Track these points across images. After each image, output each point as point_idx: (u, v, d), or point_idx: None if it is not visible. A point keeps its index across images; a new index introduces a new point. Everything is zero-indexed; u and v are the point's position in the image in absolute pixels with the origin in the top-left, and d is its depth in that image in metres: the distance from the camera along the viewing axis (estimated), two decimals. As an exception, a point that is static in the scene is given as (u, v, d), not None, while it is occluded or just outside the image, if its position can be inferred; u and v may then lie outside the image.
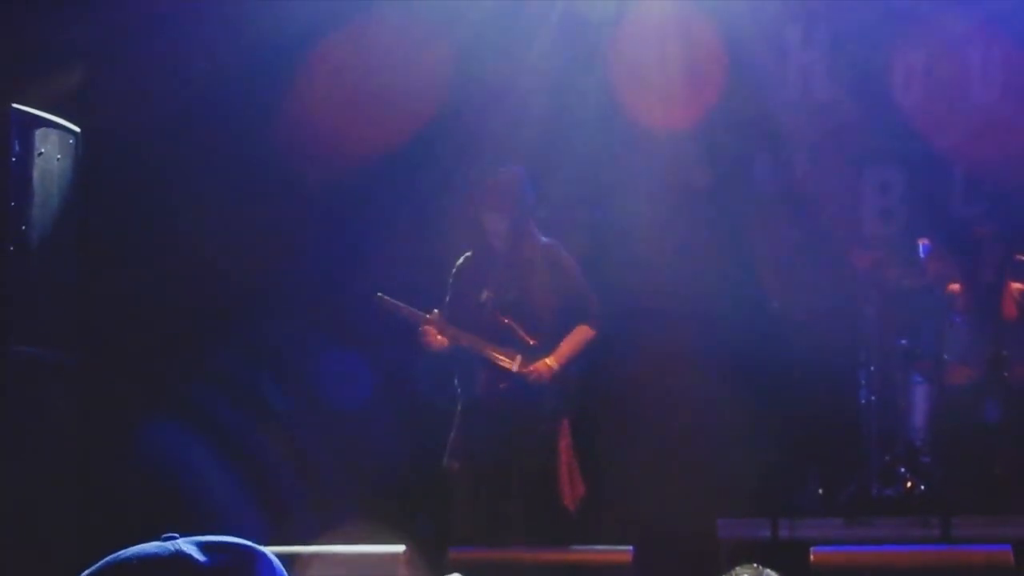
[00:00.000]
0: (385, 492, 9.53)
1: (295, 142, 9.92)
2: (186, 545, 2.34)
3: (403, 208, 9.94)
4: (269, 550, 2.44)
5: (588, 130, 10.15)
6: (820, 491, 9.76)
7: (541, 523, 8.01)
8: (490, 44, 10.14)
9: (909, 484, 9.60)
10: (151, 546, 2.34)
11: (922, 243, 9.52)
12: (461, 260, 8.36)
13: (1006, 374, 9.48)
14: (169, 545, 2.34)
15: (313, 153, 9.92)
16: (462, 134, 9.97)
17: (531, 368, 8.05)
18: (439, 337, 8.05)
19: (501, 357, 8.09)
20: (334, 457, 9.74)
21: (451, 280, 8.37)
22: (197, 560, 2.32)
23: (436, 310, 8.19)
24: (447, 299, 8.32)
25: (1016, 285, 9.96)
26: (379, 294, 8.28)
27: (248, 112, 10.02)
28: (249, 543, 2.40)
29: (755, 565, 4.28)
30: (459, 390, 8.28)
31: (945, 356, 9.65)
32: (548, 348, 8.15)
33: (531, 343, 8.13)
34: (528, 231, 8.19)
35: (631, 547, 6.99)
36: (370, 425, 9.75)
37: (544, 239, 8.26)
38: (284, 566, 2.46)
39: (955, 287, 9.93)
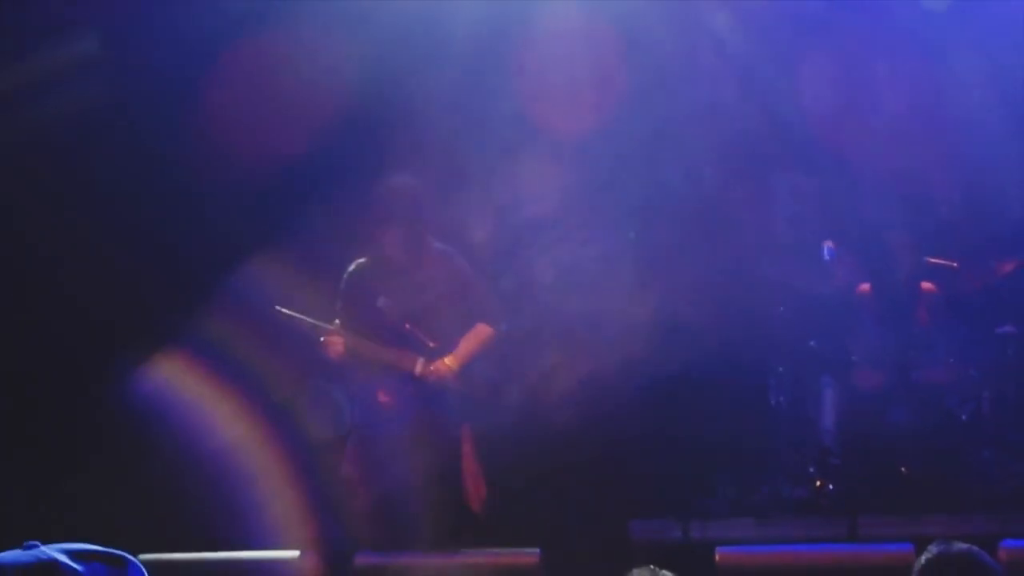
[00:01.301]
0: (290, 496, 9.49)
1: (198, 146, 9.88)
2: (55, 552, 2.33)
3: (307, 216, 9.90)
4: (153, 557, 2.44)
5: (497, 136, 10.17)
6: (732, 492, 9.83)
7: (446, 526, 8.03)
8: (400, 48, 10.14)
9: (818, 484, 9.70)
10: (13, 554, 2.33)
11: (827, 246, 9.61)
12: (352, 267, 8.28)
13: (913, 377, 9.61)
14: (35, 552, 2.32)
15: (217, 156, 9.88)
16: (368, 141, 9.95)
17: (431, 369, 8.05)
18: (340, 348, 8.01)
19: (401, 360, 8.08)
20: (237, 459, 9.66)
21: (343, 287, 8.27)
22: (70, 567, 2.31)
23: (337, 321, 8.14)
24: (339, 306, 8.25)
25: (927, 285, 10.09)
26: (277, 307, 8.21)
27: (148, 117, 10.01)
28: (118, 551, 2.39)
29: (651, 567, 4.35)
30: (353, 406, 8.23)
31: (854, 358, 9.76)
32: (449, 350, 8.16)
33: (432, 346, 8.13)
34: (422, 239, 8.18)
35: (537, 549, 7.01)
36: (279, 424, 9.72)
37: (438, 245, 8.27)
38: (167, 574, 2.46)
39: (865, 288, 10.04)
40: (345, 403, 8.33)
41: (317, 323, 8.10)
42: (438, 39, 10.13)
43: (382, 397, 8.09)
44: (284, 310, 8.16)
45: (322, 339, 8.02)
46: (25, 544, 2.36)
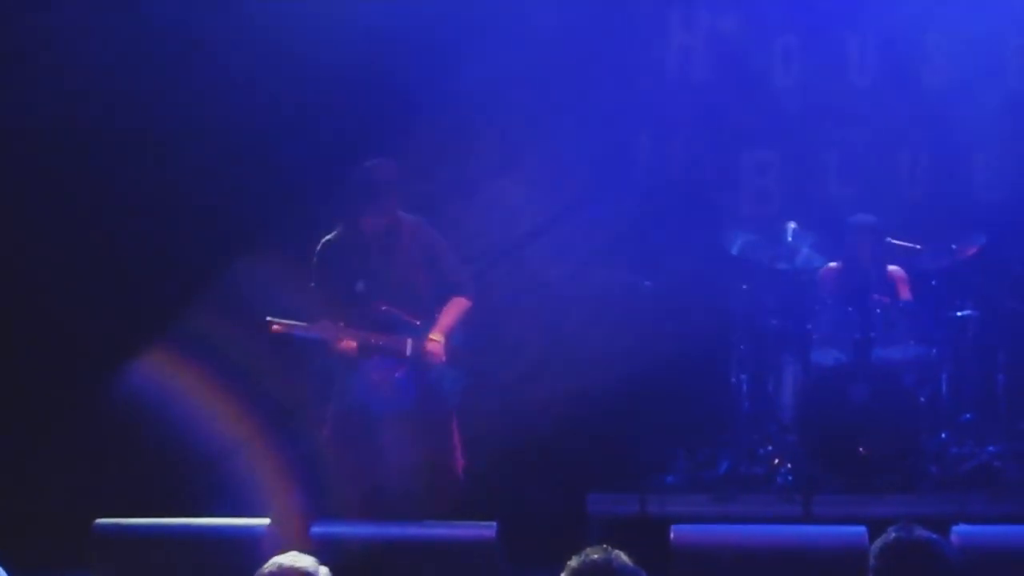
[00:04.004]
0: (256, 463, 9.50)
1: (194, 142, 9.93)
2: None
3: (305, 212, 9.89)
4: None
5: (464, 116, 10.18)
6: (690, 468, 9.88)
7: (434, 498, 8.08)
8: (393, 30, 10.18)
9: (776, 462, 9.75)
10: None
11: (791, 226, 9.64)
12: (323, 244, 8.22)
13: (873, 357, 9.66)
14: None
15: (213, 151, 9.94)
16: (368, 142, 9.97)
17: (427, 350, 8.07)
18: (354, 345, 8.02)
19: (393, 344, 8.08)
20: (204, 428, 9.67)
21: (316, 266, 8.22)
22: None
23: (326, 321, 8.07)
24: (313, 284, 8.21)
25: (892, 268, 10.13)
26: (269, 318, 8.14)
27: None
28: None
29: (605, 547, 4.37)
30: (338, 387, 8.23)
31: (814, 337, 9.80)
32: (430, 324, 8.17)
33: (416, 323, 8.14)
34: (395, 213, 8.17)
35: (494, 523, 7.02)
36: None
37: (408, 216, 8.25)
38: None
39: (830, 267, 10.08)
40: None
41: (317, 326, 8.04)
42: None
43: (375, 377, 8.09)
44: (276, 321, 8.09)
45: (333, 343, 7.97)
46: None
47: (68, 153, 10.15)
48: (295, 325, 8.08)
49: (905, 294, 10.06)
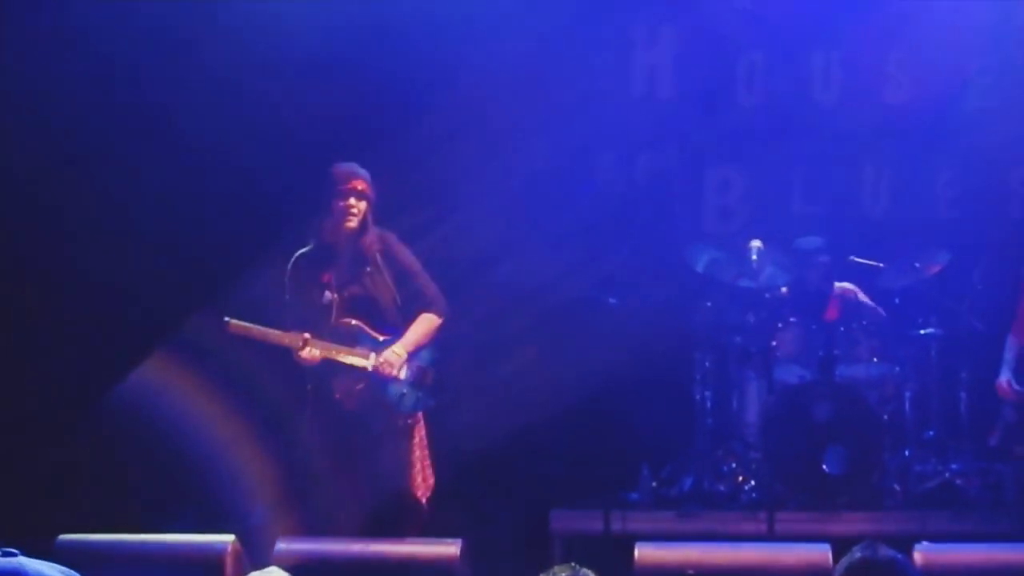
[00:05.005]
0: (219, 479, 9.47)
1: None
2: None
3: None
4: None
5: (426, 127, 10.19)
6: (654, 484, 9.88)
7: (389, 516, 8.03)
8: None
9: (740, 479, 9.77)
10: None
11: (755, 245, 9.67)
12: (296, 257, 8.19)
13: (836, 374, 9.69)
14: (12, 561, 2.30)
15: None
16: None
17: (383, 361, 8.03)
18: (318, 356, 7.98)
19: (356, 358, 8.06)
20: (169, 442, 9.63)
21: (289, 279, 8.18)
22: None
23: (294, 331, 8.03)
24: (287, 298, 8.17)
25: (840, 285, 10.18)
26: (226, 318, 8.05)
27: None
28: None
29: (573, 565, 4.36)
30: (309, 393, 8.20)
31: (778, 354, 9.83)
32: (396, 340, 8.15)
33: (381, 339, 8.12)
34: (366, 224, 8.16)
35: (459, 540, 7.02)
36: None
37: (380, 230, 8.24)
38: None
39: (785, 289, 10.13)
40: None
41: (284, 333, 7.99)
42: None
43: (337, 393, 8.06)
44: (235, 322, 8.03)
45: (301, 354, 7.93)
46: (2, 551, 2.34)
47: (60, 154, 10.11)
48: (255, 328, 8.02)
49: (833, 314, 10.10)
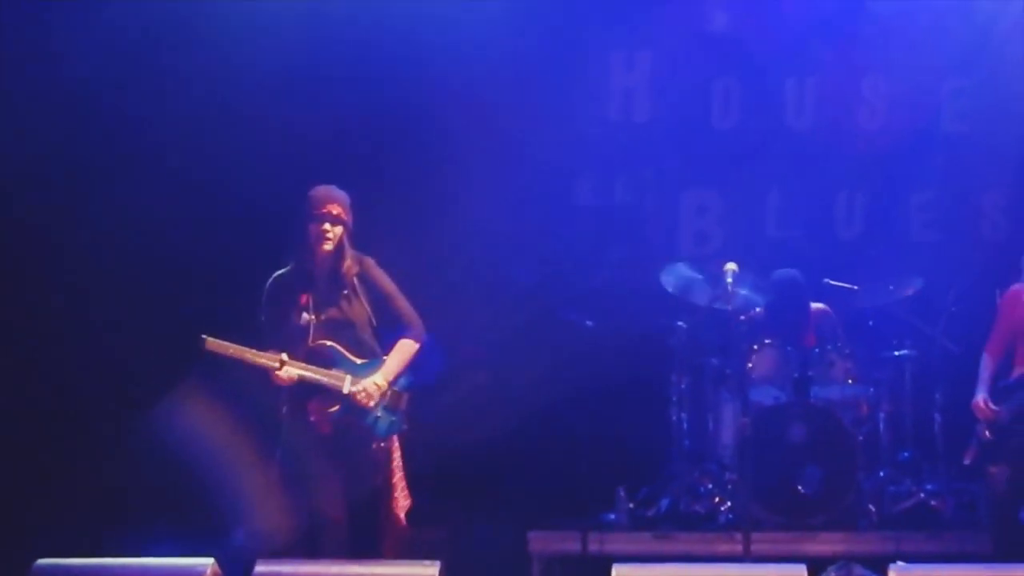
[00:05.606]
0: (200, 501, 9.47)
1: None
2: None
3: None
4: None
5: (404, 150, 10.24)
6: (631, 505, 9.91)
7: (367, 538, 8.05)
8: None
9: (716, 500, 9.82)
10: None
11: (730, 268, 9.71)
12: (274, 279, 8.21)
13: (811, 395, 9.75)
14: None
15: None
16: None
17: (360, 389, 8.03)
18: (294, 376, 7.97)
19: (332, 380, 8.06)
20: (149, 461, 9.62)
21: (266, 300, 8.20)
22: None
23: (274, 353, 8.04)
24: (263, 319, 8.19)
25: (816, 306, 10.23)
26: (204, 336, 7.97)
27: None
28: None
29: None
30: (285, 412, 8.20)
31: (753, 376, 9.88)
32: (374, 364, 8.15)
33: (359, 362, 8.13)
34: (343, 247, 8.18)
35: (437, 562, 7.03)
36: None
37: (358, 254, 8.26)
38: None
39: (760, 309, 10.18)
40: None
41: (263, 354, 7.98)
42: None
43: (312, 416, 8.07)
44: (211, 341, 8.01)
45: (279, 374, 7.93)
46: None
47: (57, 165, 10.15)
48: (232, 347, 8.00)
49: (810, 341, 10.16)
